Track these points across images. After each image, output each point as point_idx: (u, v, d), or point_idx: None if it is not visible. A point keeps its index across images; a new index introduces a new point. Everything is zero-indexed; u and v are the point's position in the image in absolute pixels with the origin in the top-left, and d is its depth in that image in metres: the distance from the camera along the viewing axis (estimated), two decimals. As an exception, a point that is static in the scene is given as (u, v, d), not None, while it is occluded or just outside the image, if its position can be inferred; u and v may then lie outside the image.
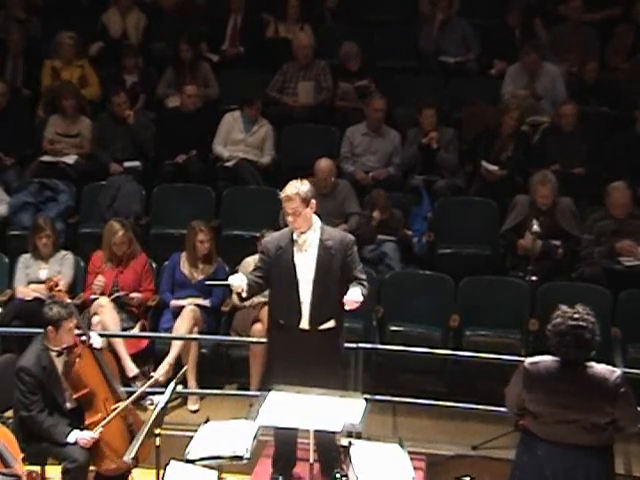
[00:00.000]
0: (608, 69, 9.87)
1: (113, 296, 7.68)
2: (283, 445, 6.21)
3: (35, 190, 8.82)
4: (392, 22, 10.61)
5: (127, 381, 7.25)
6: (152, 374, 7.20)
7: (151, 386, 6.32)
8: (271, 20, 10.52)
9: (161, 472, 5.51)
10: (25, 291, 7.85)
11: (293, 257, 5.92)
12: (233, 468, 5.86)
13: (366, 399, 5.54)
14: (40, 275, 7.89)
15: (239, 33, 10.47)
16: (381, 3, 10.74)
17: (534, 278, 7.67)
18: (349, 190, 8.55)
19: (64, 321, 6.08)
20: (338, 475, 5.85)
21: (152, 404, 6.83)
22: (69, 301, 6.62)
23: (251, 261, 7.26)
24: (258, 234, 7.44)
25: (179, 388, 6.94)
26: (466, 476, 6.28)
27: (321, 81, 9.83)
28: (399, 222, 8.50)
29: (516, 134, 8.87)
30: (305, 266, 5.91)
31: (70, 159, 9.14)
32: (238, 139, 9.24)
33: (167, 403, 5.78)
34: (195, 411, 7.37)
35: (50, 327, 6.09)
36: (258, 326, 7.32)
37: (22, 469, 5.59)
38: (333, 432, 5.56)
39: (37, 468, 6.10)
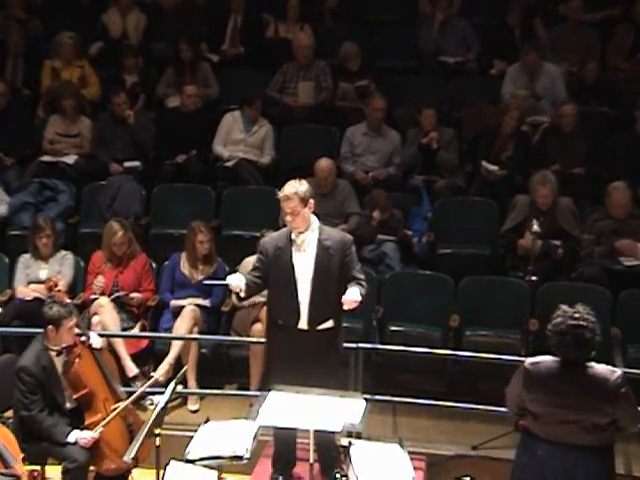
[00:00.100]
0: (608, 69, 9.86)
1: (113, 296, 7.68)
2: (283, 445, 6.21)
3: (35, 190, 8.81)
4: (392, 22, 10.60)
5: (127, 381, 7.25)
6: (152, 374, 7.20)
7: (151, 386, 6.32)
8: (271, 20, 10.51)
9: (161, 472, 5.51)
10: (25, 291, 7.85)
11: (291, 257, 5.92)
12: (233, 468, 5.85)
13: (366, 399, 5.54)
14: (40, 275, 7.89)
15: (239, 33, 10.45)
16: (381, 3, 10.74)
17: (534, 278, 7.66)
18: (349, 190, 8.55)
19: (64, 320, 6.08)
20: (338, 475, 5.86)
21: (152, 404, 6.83)
22: (69, 301, 6.63)
23: (251, 261, 7.21)
24: (258, 234, 7.43)
25: (179, 388, 6.94)
26: (466, 476, 6.29)
27: (321, 81, 9.82)
28: (399, 222, 8.50)
29: (516, 134, 8.86)
30: (303, 266, 5.90)
31: (70, 159, 9.14)
32: (238, 139, 9.23)
33: (167, 403, 5.77)
34: (195, 411, 7.37)
35: (50, 326, 6.09)
36: (258, 326, 7.31)
37: (22, 469, 5.58)
38: (333, 432, 5.55)
39: (37, 468, 6.09)
